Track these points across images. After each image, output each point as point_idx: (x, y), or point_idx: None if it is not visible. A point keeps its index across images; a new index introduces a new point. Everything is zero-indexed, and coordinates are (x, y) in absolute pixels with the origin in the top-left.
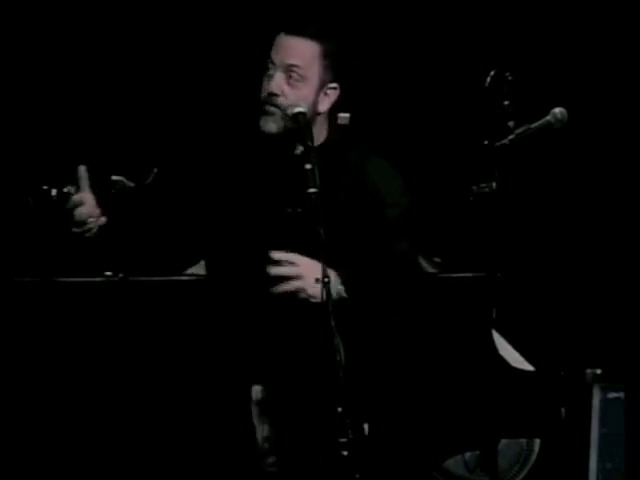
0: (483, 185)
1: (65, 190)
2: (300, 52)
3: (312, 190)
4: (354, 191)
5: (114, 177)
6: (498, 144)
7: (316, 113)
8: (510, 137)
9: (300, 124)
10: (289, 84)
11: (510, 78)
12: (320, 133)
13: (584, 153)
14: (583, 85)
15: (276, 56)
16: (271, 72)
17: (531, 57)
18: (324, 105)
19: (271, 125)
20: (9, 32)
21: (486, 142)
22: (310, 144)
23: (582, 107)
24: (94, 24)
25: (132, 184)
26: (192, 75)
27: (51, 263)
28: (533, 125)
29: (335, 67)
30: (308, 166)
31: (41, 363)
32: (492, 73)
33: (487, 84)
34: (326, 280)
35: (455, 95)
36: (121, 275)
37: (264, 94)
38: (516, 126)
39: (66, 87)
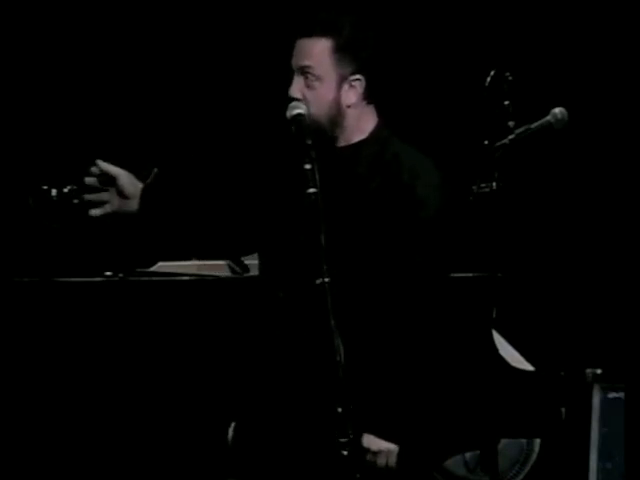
0: (483, 185)
1: (65, 190)
2: (309, 52)
3: (312, 190)
4: (386, 187)
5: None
6: (498, 144)
7: (342, 108)
8: (510, 137)
9: (299, 125)
10: (307, 86)
11: (510, 78)
12: (358, 127)
13: (584, 153)
14: (583, 85)
15: (293, 61)
16: (294, 78)
17: (531, 57)
18: (350, 98)
19: None
20: (9, 32)
21: (486, 142)
22: (309, 144)
23: (582, 107)
24: (94, 24)
25: None
26: (193, 75)
27: (51, 263)
28: (533, 125)
29: (357, 58)
30: (308, 166)
31: (41, 363)
32: (492, 73)
33: (487, 84)
34: (326, 281)
35: (455, 95)
36: (121, 275)
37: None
38: (516, 126)
39: (66, 87)
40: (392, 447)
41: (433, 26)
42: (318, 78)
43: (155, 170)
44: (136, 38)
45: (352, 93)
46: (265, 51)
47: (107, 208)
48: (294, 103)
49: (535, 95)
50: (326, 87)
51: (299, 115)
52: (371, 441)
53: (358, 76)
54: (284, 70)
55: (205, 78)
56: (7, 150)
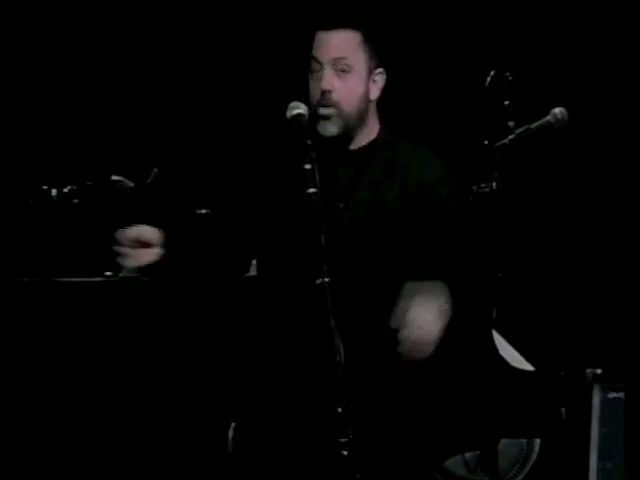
0: (483, 185)
1: (65, 190)
2: (344, 43)
3: (312, 190)
4: (404, 187)
5: (114, 177)
6: (498, 144)
7: (369, 102)
8: (510, 137)
9: (299, 125)
10: (339, 77)
11: (510, 78)
12: (371, 126)
13: (584, 153)
14: (583, 85)
15: (320, 54)
16: (318, 71)
17: (531, 57)
18: (374, 93)
19: (331, 129)
20: (9, 32)
21: (486, 142)
22: (309, 144)
23: (582, 107)
24: (94, 24)
25: (132, 184)
26: (193, 75)
27: (51, 263)
28: (533, 125)
29: (378, 52)
30: (308, 166)
31: (41, 363)
32: (492, 73)
33: (487, 84)
34: (326, 281)
35: (455, 95)
36: (121, 275)
37: (316, 96)
38: (516, 126)
39: (66, 87)
40: (437, 328)
41: (433, 26)
42: (352, 69)
43: (155, 170)
44: (136, 38)
45: (375, 87)
46: (265, 51)
47: (140, 260)
48: (294, 103)
49: (535, 95)
50: (357, 79)
51: (299, 115)
52: (418, 312)
53: (381, 70)
54: (284, 70)
55: (205, 78)
56: (7, 150)
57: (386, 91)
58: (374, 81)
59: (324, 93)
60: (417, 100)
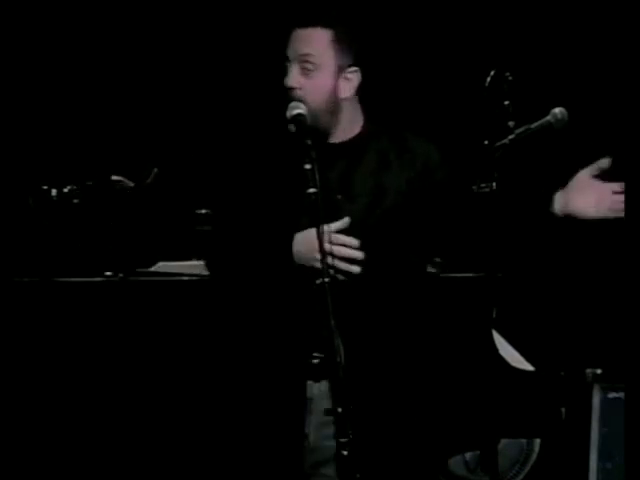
0: (483, 185)
1: (65, 190)
2: (310, 41)
3: (312, 190)
4: (405, 174)
5: (114, 177)
6: (498, 144)
7: (339, 100)
8: (510, 137)
9: (299, 125)
10: (305, 75)
11: (510, 78)
12: (353, 121)
13: (584, 153)
14: (583, 85)
15: (289, 51)
16: (288, 68)
17: (531, 57)
18: (346, 91)
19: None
20: (9, 32)
21: (486, 142)
22: (309, 144)
23: (582, 107)
24: (94, 24)
25: (132, 184)
26: (192, 75)
27: (51, 263)
28: (533, 125)
29: (353, 50)
30: (308, 166)
31: (41, 363)
32: (492, 73)
33: (487, 84)
34: (326, 280)
35: (455, 95)
36: (121, 275)
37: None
38: (516, 126)
39: (66, 87)
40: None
41: (433, 26)
42: (317, 67)
43: (155, 170)
44: (136, 38)
45: (348, 86)
46: (265, 51)
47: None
48: (294, 103)
49: (535, 95)
50: (324, 76)
51: (299, 115)
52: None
53: (355, 68)
54: (284, 70)
55: (205, 78)
56: (7, 150)
57: (364, 88)
58: (346, 79)
59: (289, 89)
60: (417, 100)
